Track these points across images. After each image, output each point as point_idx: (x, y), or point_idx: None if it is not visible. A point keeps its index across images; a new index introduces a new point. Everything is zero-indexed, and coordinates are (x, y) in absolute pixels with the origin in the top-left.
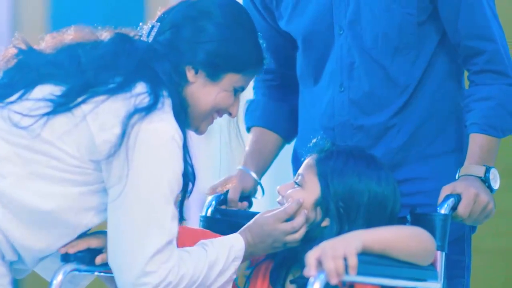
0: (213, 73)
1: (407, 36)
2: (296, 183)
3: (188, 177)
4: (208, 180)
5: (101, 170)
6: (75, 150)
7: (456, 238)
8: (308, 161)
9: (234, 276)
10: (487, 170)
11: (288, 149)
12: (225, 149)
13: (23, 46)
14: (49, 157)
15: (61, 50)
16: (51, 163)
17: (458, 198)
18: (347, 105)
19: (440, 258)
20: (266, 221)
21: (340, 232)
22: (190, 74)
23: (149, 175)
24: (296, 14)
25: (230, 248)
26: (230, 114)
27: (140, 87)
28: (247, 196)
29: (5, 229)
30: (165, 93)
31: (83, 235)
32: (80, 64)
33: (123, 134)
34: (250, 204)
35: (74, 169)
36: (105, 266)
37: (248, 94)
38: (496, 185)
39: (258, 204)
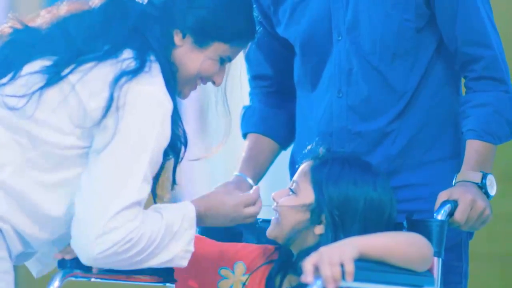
0: (201, 40)
1: (405, 42)
2: (291, 190)
3: (180, 141)
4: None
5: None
6: (69, 124)
7: (454, 244)
8: (303, 167)
9: (191, 250)
10: (484, 176)
11: (284, 155)
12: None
13: (18, 25)
14: (45, 142)
15: (55, 24)
16: (46, 148)
17: (455, 204)
18: (345, 111)
19: (437, 264)
20: (223, 201)
21: (335, 239)
22: (177, 38)
23: (134, 134)
24: (294, 20)
25: (184, 215)
26: (214, 82)
27: (127, 53)
28: None
29: (11, 217)
30: (152, 57)
31: None
32: (70, 35)
33: (111, 96)
34: None
35: (70, 151)
36: (101, 272)
37: (245, 100)
38: (492, 191)
39: None
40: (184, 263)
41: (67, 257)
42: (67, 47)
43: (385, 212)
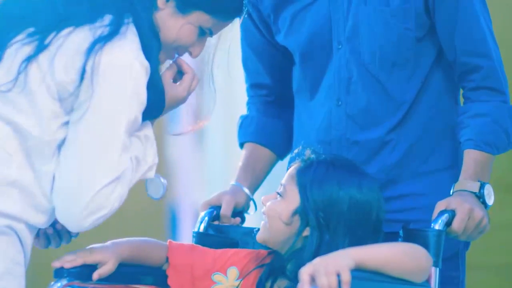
0: (183, 6)
1: (405, 51)
2: (278, 193)
3: (159, 100)
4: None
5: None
6: (52, 104)
7: (451, 255)
8: (290, 171)
9: (156, 162)
10: (482, 186)
11: (281, 164)
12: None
13: None
14: (31, 132)
15: None
16: (36, 137)
17: (452, 213)
18: (344, 120)
19: (434, 274)
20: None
21: (321, 242)
22: (160, 0)
23: (107, 105)
24: (294, 29)
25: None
26: (190, 53)
27: (107, 19)
28: (239, 212)
29: (24, 215)
30: (129, 20)
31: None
32: (53, 2)
33: (84, 68)
34: (243, 220)
35: (60, 133)
36: (99, 282)
37: (242, 109)
38: (490, 201)
39: (251, 219)
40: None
41: (66, 265)
42: (48, 14)
43: (372, 212)
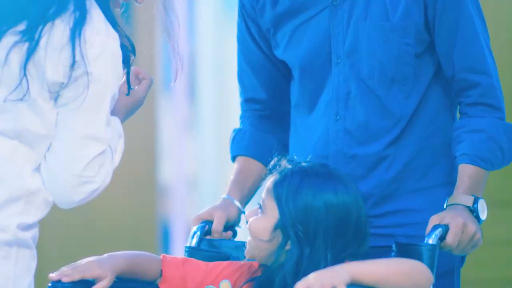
0: None
1: (404, 67)
2: (260, 208)
3: (128, 51)
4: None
5: None
6: (49, 92)
7: (446, 271)
8: (267, 184)
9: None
10: (476, 201)
11: None
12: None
13: None
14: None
15: None
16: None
17: (446, 228)
18: (342, 134)
19: None
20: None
21: (301, 254)
22: None
23: (92, 87)
24: (294, 43)
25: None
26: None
27: (71, 5)
28: (231, 226)
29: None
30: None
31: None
32: None
33: (73, 59)
34: (235, 234)
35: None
36: None
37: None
38: (483, 215)
39: (242, 233)
40: None
41: (65, 280)
42: (36, 8)
43: (351, 216)
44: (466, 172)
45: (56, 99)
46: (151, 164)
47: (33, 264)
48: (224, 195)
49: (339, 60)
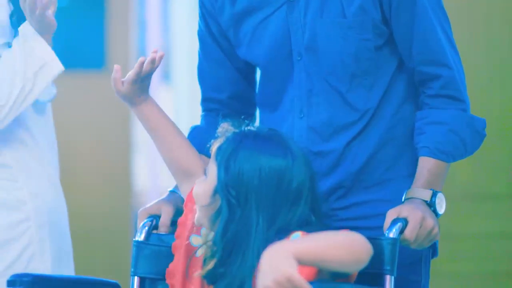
0: None
1: (364, 62)
2: (205, 174)
3: None
4: None
5: None
6: None
7: (414, 261)
8: (212, 148)
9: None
10: (434, 194)
11: None
12: None
13: None
14: None
15: None
16: None
17: (405, 222)
18: (306, 132)
19: (389, 283)
20: None
21: (232, 217)
22: None
23: None
24: (255, 41)
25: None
26: None
27: None
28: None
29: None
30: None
31: None
32: None
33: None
34: None
35: None
36: None
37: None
38: (441, 210)
39: None
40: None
41: None
42: None
43: (291, 179)
44: (425, 165)
45: None
46: (125, 158)
47: None
48: (171, 188)
49: (299, 57)
